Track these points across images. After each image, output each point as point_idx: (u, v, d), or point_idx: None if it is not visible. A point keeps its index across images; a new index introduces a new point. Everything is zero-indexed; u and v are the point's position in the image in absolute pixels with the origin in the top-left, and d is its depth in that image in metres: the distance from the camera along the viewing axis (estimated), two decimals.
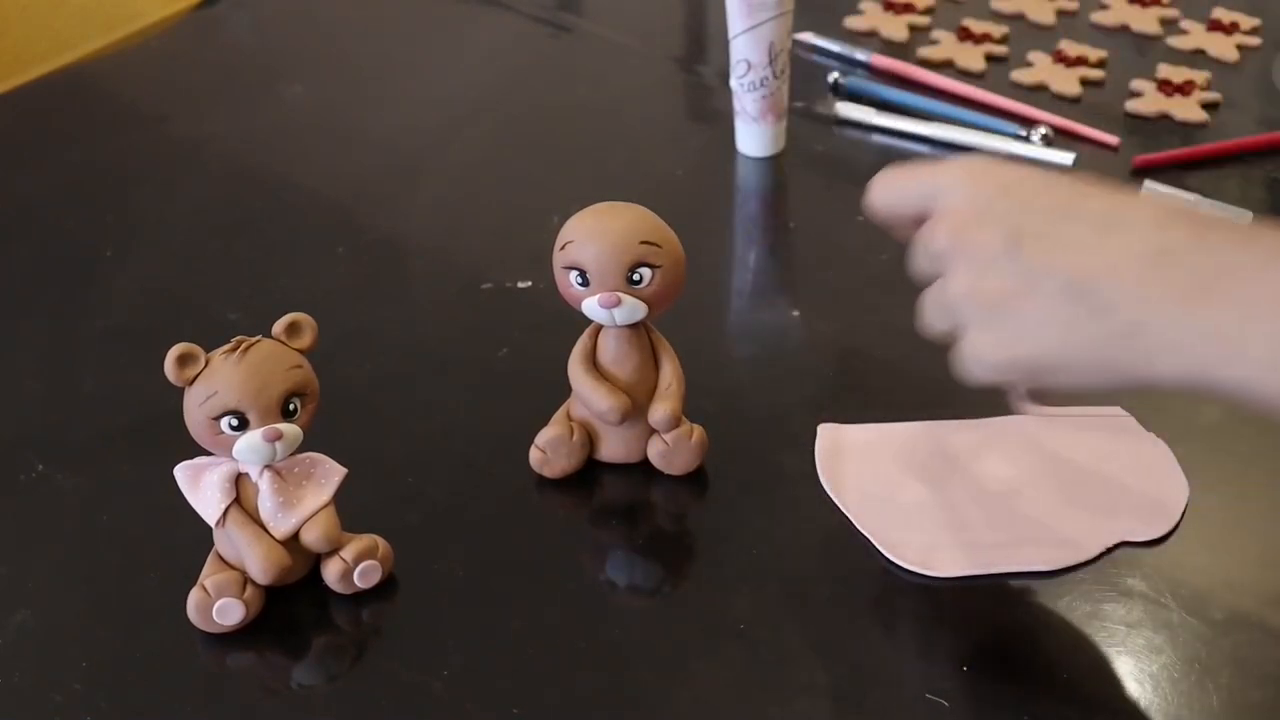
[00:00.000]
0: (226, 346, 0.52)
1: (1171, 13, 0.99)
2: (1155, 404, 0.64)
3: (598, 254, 0.55)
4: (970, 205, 0.45)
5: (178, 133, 0.90)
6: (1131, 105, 0.89)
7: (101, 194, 0.83)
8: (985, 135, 0.85)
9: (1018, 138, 0.85)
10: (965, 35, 0.96)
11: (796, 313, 0.72)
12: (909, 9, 1.00)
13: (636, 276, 0.56)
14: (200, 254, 0.78)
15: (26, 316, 0.73)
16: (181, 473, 0.54)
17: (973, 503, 0.59)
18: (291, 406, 0.52)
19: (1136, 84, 0.90)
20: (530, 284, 0.73)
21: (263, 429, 0.51)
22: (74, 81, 0.96)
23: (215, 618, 0.53)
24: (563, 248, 0.56)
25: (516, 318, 0.71)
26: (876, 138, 0.87)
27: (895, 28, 0.97)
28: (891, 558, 0.56)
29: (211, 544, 0.55)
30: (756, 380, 0.67)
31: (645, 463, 0.61)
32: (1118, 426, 0.63)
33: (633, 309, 0.56)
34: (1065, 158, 0.83)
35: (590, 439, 0.61)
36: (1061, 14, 1.00)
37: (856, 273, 0.75)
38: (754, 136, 0.84)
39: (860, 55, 0.94)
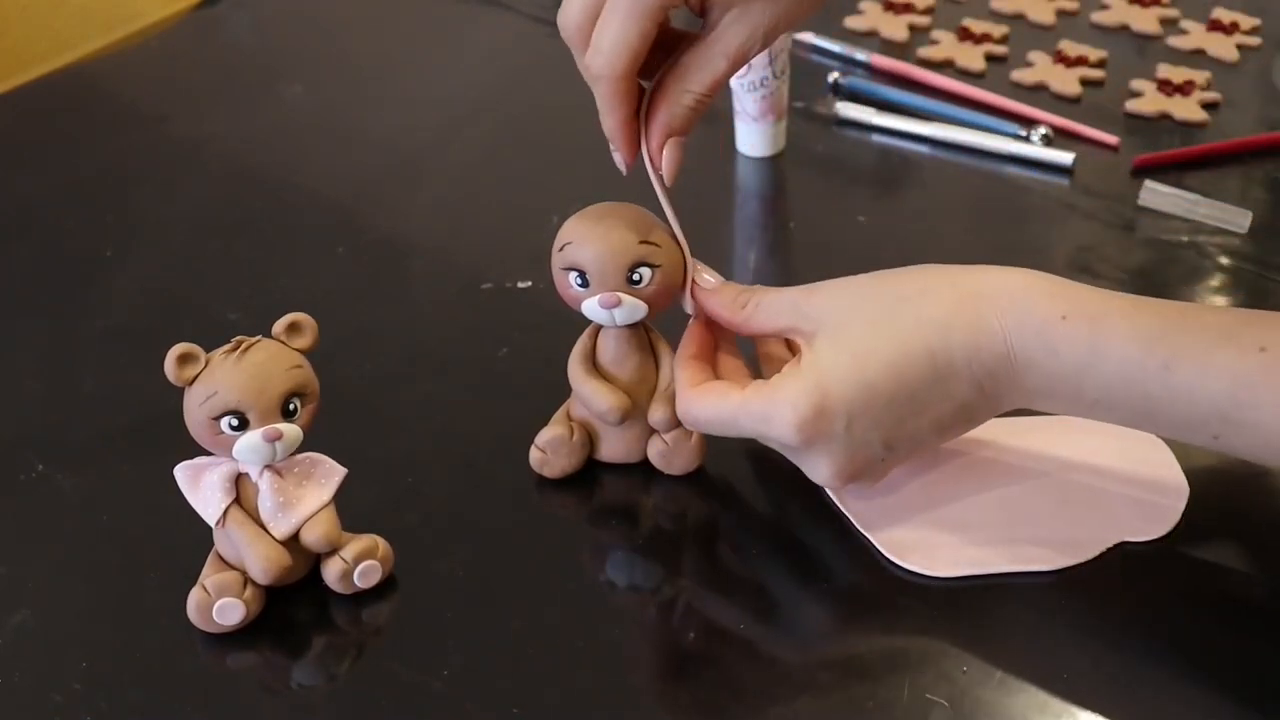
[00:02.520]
0: (226, 346, 0.52)
1: (1171, 13, 0.99)
2: None
3: (597, 255, 0.55)
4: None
5: (178, 133, 0.90)
6: (1131, 105, 0.89)
7: (101, 194, 0.83)
8: (985, 135, 0.85)
9: (1018, 138, 0.85)
10: (965, 35, 0.96)
11: None
12: (909, 9, 1.00)
13: (636, 277, 0.56)
14: (200, 254, 0.78)
15: (26, 316, 0.73)
16: (181, 473, 0.54)
17: (973, 503, 0.59)
18: (291, 406, 0.52)
19: (1136, 84, 0.90)
20: (530, 284, 0.73)
21: (263, 429, 0.51)
22: (74, 81, 0.96)
23: (215, 618, 0.53)
24: (562, 249, 0.56)
25: (516, 318, 0.71)
26: (876, 138, 0.87)
27: (895, 28, 0.97)
28: (891, 558, 0.56)
29: (211, 544, 0.55)
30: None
31: (645, 463, 0.61)
32: (1118, 427, 0.63)
33: (633, 309, 0.56)
34: (1065, 158, 0.83)
35: (590, 439, 0.61)
36: (1061, 14, 1.00)
37: (856, 273, 0.75)
38: (754, 136, 0.84)
39: (860, 55, 0.94)
